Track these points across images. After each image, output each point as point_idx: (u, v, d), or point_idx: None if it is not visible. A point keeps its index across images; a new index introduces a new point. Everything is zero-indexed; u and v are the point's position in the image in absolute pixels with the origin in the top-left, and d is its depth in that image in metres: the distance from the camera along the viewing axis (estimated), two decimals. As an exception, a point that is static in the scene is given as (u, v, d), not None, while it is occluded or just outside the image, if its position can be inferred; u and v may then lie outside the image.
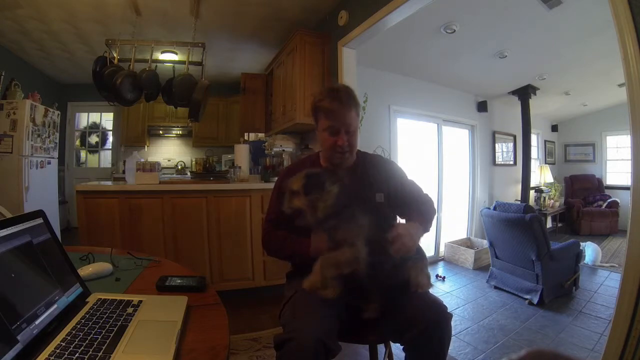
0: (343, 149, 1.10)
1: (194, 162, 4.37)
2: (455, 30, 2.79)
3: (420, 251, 1.08)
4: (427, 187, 3.86)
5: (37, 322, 0.58)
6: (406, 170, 1.27)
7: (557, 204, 5.54)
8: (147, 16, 2.95)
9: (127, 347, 0.58)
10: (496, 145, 4.93)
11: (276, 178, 2.76)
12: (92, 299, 0.74)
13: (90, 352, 0.55)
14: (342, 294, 0.99)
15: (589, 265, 3.58)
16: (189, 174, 4.24)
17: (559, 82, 4.30)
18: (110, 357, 0.54)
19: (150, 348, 0.59)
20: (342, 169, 1.17)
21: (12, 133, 3.21)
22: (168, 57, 3.54)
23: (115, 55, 2.65)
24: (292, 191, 1.00)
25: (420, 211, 1.14)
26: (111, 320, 0.65)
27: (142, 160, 2.52)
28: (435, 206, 1.24)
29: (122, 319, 0.66)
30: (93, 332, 0.61)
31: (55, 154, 3.90)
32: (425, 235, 1.11)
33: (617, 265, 3.51)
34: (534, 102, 4.56)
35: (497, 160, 4.94)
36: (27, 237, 0.67)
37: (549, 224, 5.30)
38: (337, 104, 1.07)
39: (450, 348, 0.98)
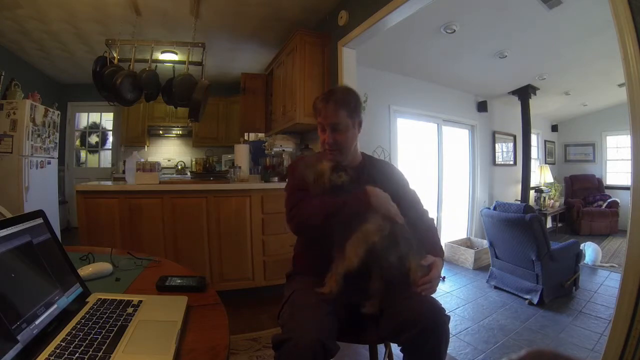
0: (330, 146, 1.13)
1: (194, 162, 4.37)
2: (455, 30, 2.79)
3: (421, 254, 1.09)
4: (427, 187, 3.88)
5: (37, 322, 0.57)
6: (408, 178, 1.29)
7: (557, 204, 5.54)
8: (147, 16, 2.95)
9: (127, 347, 0.58)
10: (496, 145, 4.93)
11: (276, 178, 2.79)
12: (92, 299, 0.74)
13: (90, 352, 0.55)
14: (341, 292, 0.99)
15: (589, 265, 3.57)
16: (189, 174, 4.25)
17: (559, 82, 4.30)
18: (110, 357, 0.54)
19: (150, 348, 0.59)
20: (349, 167, 1.19)
21: (12, 133, 3.21)
22: (168, 57, 3.54)
23: (115, 55, 2.65)
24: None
25: (435, 243, 1.15)
26: (111, 320, 0.65)
27: (142, 160, 2.52)
28: (435, 223, 1.26)
29: (122, 319, 0.66)
30: (93, 332, 0.61)
31: (55, 154, 3.90)
32: None
33: (617, 265, 3.51)
34: (534, 102, 4.56)
35: (497, 160, 4.94)
36: (27, 237, 0.67)
37: (549, 224, 5.30)
38: (324, 103, 1.12)
39: (450, 348, 0.98)
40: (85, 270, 0.92)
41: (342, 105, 1.11)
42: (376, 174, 1.22)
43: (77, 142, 5.38)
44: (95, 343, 0.57)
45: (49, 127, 3.68)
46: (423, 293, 0.99)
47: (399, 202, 1.19)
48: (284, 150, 3.15)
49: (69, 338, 0.58)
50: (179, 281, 0.89)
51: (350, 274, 1.00)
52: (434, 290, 1.02)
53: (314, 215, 1.04)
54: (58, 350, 0.54)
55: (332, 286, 0.99)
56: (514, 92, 4.50)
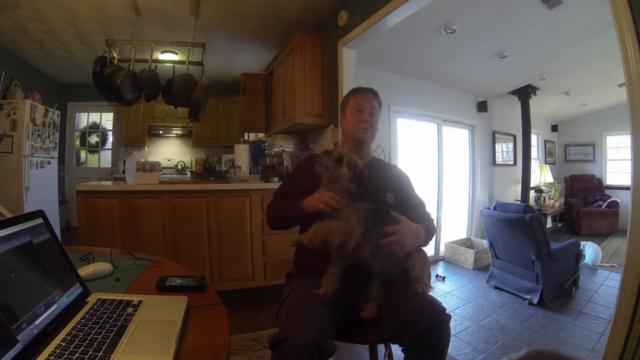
0: (366, 125, 1.24)
1: (194, 162, 4.37)
2: (455, 30, 2.79)
3: (420, 252, 1.09)
4: (427, 187, 3.88)
5: (37, 322, 0.57)
6: (414, 183, 1.34)
7: (557, 204, 5.54)
8: (147, 16, 2.95)
9: (127, 347, 0.58)
10: (496, 145, 4.93)
11: (276, 178, 2.79)
12: (92, 299, 0.74)
13: (90, 352, 0.55)
14: (339, 292, 0.99)
15: (589, 265, 3.58)
16: (189, 174, 4.24)
17: (559, 82, 4.30)
18: (110, 357, 0.54)
19: (150, 348, 0.59)
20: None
21: (12, 133, 3.21)
22: (168, 57, 3.54)
23: (115, 55, 2.65)
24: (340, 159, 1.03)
25: (427, 225, 1.17)
26: (111, 320, 0.65)
27: (142, 160, 2.52)
28: (435, 224, 1.27)
29: (122, 319, 0.66)
30: (93, 332, 0.61)
31: (55, 154, 3.90)
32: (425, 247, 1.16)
33: (617, 265, 3.51)
34: (534, 102, 4.56)
35: (497, 160, 4.94)
36: (27, 237, 0.67)
37: (549, 224, 5.30)
38: (364, 91, 1.31)
39: (450, 348, 0.98)
40: (85, 270, 0.92)
41: (378, 98, 1.31)
42: (383, 172, 1.28)
43: (77, 142, 5.39)
44: (95, 343, 0.57)
45: (49, 127, 3.68)
46: (386, 248, 0.98)
47: (404, 202, 1.21)
48: (284, 150, 3.15)
49: (69, 338, 0.58)
50: (179, 281, 0.89)
51: (346, 275, 1.00)
52: (401, 245, 1.00)
53: (277, 214, 1.25)
54: (58, 351, 0.54)
55: (328, 287, 0.98)
56: (514, 92, 4.50)
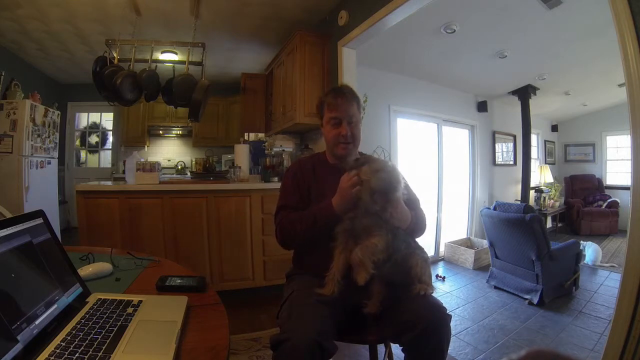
0: (346, 139, 1.16)
1: (194, 162, 4.37)
2: (455, 30, 2.80)
3: (422, 251, 1.09)
4: (427, 187, 3.88)
5: (37, 322, 0.57)
6: (407, 178, 1.29)
7: (557, 204, 5.54)
8: (147, 16, 2.95)
9: (127, 347, 0.58)
10: (496, 145, 4.93)
11: (276, 178, 2.78)
12: (92, 299, 0.74)
13: (90, 352, 0.55)
14: (341, 293, 0.99)
15: (589, 265, 3.58)
16: (189, 174, 4.25)
17: (559, 82, 4.31)
18: (110, 357, 0.54)
19: (150, 348, 0.59)
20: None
21: (12, 133, 3.21)
22: (168, 57, 3.54)
23: (115, 55, 2.64)
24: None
25: (416, 214, 1.13)
26: (111, 320, 0.65)
27: (142, 160, 2.52)
28: (427, 222, 1.21)
29: (122, 319, 0.66)
30: (93, 332, 0.61)
31: (55, 154, 3.90)
32: (421, 237, 1.15)
33: (617, 265, 3.51)
34: (534, 102, 4.56)
35: (497, 160, 4.94)
36: (27, 237, 0.67)
37: (549, 224, 5.30)
38: (340, 97, 1.17)
39: (450, 348, 0.98)
40: (85, 270, 0.92)
41: (355, 99, 1.19)
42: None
43: (77, 142, 5.39)
44: (95, 343, 0.57)
45: (49, 127, 3.68)
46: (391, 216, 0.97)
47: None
48: (284, 150, 3.15)
49: (69, 338, 0.58)
50: (179, 281, 0.89)
51: (347, 274, 1.00)
52: (400, 211, 1.00)
53: (296, 226, 1.11)
54: (58, 350, 0.54)
55: (333, 287, 0.98)
56: (514, 92, 4.50)
